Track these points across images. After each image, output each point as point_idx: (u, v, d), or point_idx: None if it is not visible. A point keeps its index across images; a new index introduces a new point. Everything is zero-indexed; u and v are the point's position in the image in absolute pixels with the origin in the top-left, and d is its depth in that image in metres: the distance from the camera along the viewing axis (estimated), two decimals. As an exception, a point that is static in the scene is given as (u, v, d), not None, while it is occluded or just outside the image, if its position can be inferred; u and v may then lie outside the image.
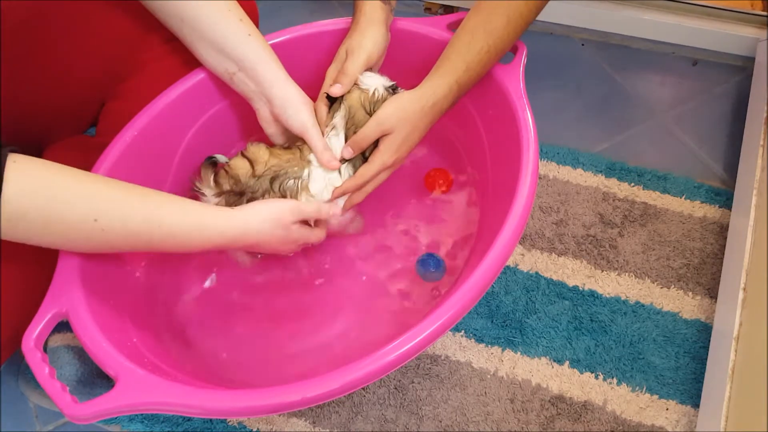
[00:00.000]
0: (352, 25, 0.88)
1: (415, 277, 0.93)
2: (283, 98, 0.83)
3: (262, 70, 0.82)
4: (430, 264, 0.92)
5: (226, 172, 0.84)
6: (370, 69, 0.87)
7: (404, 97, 0.81)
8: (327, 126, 0.84)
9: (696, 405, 0.89)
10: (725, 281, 0.95)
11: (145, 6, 0.86)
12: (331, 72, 0.86)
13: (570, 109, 1.23)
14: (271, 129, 0.88)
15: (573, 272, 1.01)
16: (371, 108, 0.82)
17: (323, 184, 0.84)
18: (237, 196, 0.83)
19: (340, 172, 0.84)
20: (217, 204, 0.84)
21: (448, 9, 1.40)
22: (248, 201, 0.82)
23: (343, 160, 0.84)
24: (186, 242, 0.74)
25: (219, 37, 0.83)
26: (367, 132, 0.81)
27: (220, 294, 0.95)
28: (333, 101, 0.84)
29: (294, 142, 0.87)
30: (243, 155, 0.84)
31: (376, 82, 0.83)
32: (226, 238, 0.76)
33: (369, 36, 0.86)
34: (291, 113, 0.83)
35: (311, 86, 0.87)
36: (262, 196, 0.82)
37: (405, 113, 0.80)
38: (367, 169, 0.83)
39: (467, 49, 0.82)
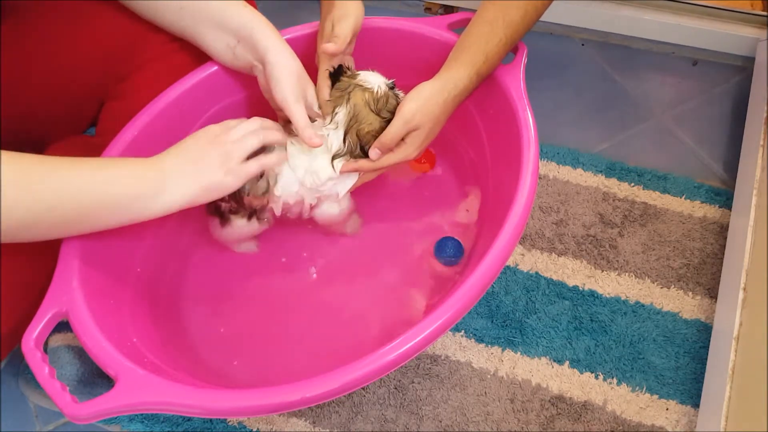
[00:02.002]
0: (326, 5, 0.88)
1: (419, 269, 0.94)
2: (273, 65, 0.81)
3: (258, 36, 0.82)
4: (447, 247, 0.93)
5: None
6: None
7: (426, 90, 0.81)
8: (328, 117, 0.83)
9: (696, 405, 0.89)
10: (725, 281, 0.95)
11: (144, 13, 0.86)
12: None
13: (570, 109, 1.23)
14: (268, 95, 0.87)
15: (573, 272, 1.01)
16: (376, 106, 0.82)
17: (304, 161, 0.83)
18: None
19: (333, 166, 0.83)
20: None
21: (448, 9, 1.40)
22: None
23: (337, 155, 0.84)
24: None
25: (217, 10, 0.83)
26: (395, 132, 0.80)
27: (221, 293, 0.96)
28: (335, 78, 0.83)
29: None
30: None
31: (378, 80, 0.83)
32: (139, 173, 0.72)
33: (350, 5, 0.86)
34: (274, 83, 0.82)
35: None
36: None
37: (429, 108, 0.80)
38: (389, 159, 0.83)
39: (486, 39, 0.82)
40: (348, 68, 0.85)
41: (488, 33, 0.83)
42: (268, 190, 0.83)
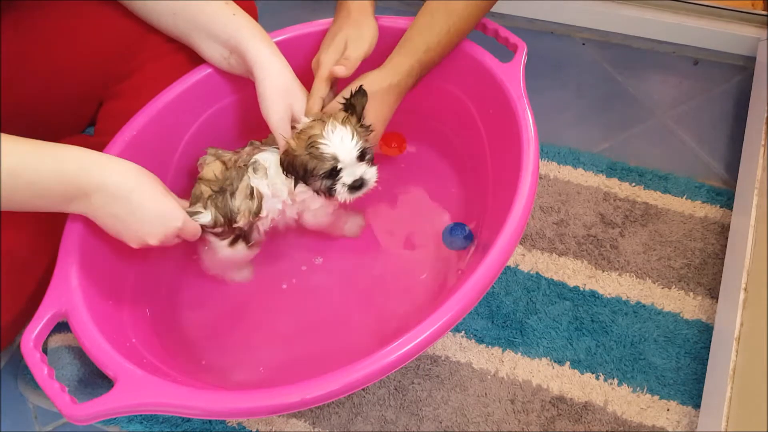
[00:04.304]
0: (342, 15, 0.88)
1: (421, 267, 0.95)
2: (259, 81, 0.82)
3: (245, 49, 0.82)
4: (457, 232, 0.94)
5: (200, 180, 0.85)
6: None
7: (370, 76, 0.83)
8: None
9: (697, 405, 0.89)
10: (726, 281, 0.95)
11: (140, 15, 0.86)
12: (329, 58, 0.85)
13: (570, 109, 1.22)
14: None
15: (574, 272, 1.01)
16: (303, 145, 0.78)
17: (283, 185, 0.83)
18: (220, 194, 0.82)
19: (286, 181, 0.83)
20: (208, 212, 0.82)
21: (449, 8, 1.39)
22: (231, 195, 0.81)
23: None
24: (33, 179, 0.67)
25: (206, 20, 0.83)
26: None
27: (220, 294, 0.95)
28: (348, 107, 0.80)
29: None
30: (214, 156, 0.86)
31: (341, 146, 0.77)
32: (85, 171, 0.69)
33: (367, 27, 0.86)
34: (260, 100, 0.82)
35: (310, 85, 0.87)
36: (240, 182, 0.82)
37: (371, 89, 0.81)
38: None
39: (428, 30, 0.84)
40: (351, 105, 0.80)
41: (429, 23, 0.85)
42: (259, 210, 0.83)
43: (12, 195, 0.67)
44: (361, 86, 0.80)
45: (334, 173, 0.77)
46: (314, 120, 0.80)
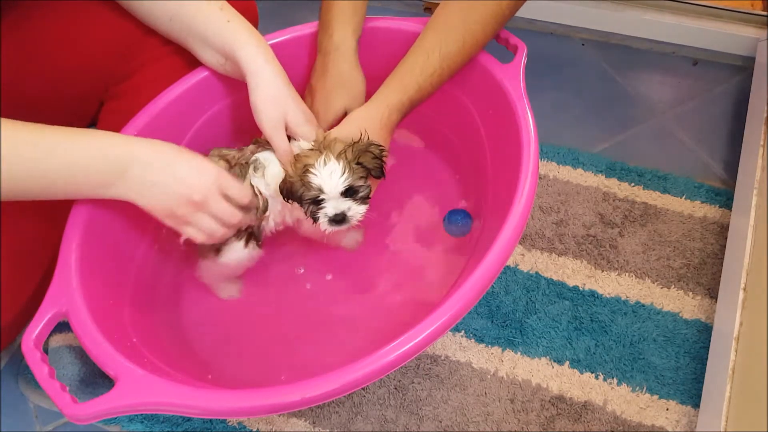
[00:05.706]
0: (332, 70, 0.88)
1: (421, 267, 0.95)
2: (252, 90, 0.82)
3: (238, 58, 0.82)
4: (457, 218, 0.95)
5: None
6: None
7: (362, 113, 0.83)
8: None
9: (696, 405, 0.89)
10: (725, 281, 0.95)
11: (137, 16, 0.86)
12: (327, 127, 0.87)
13: (570, 109, 1.23)
14: None
15: (573, 272, 1.01)
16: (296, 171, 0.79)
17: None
18: None
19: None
20: None
21: (449, 9, 1.39)
22: None
23: None
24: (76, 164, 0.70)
25: (201, 26, 0.83)
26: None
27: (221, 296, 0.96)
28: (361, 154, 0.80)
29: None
30: (218, 156, 0.86)
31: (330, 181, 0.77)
32: (123, 160, 0.71)
33: (358, 85, 0.89)
34: (252, 109, 0.83)
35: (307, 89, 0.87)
36: (244, 180, 0.83)
37: (365, 126, 0.81)
38: None
39: (420, 70, 0.84)
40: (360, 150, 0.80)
41: (423, 63, 0.84)
42: (266, 208, 0.84)
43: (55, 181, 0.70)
44: (372, 145, 0.79)
45: (318, 201, 0.78)
46: (313, 149, 0.80)
